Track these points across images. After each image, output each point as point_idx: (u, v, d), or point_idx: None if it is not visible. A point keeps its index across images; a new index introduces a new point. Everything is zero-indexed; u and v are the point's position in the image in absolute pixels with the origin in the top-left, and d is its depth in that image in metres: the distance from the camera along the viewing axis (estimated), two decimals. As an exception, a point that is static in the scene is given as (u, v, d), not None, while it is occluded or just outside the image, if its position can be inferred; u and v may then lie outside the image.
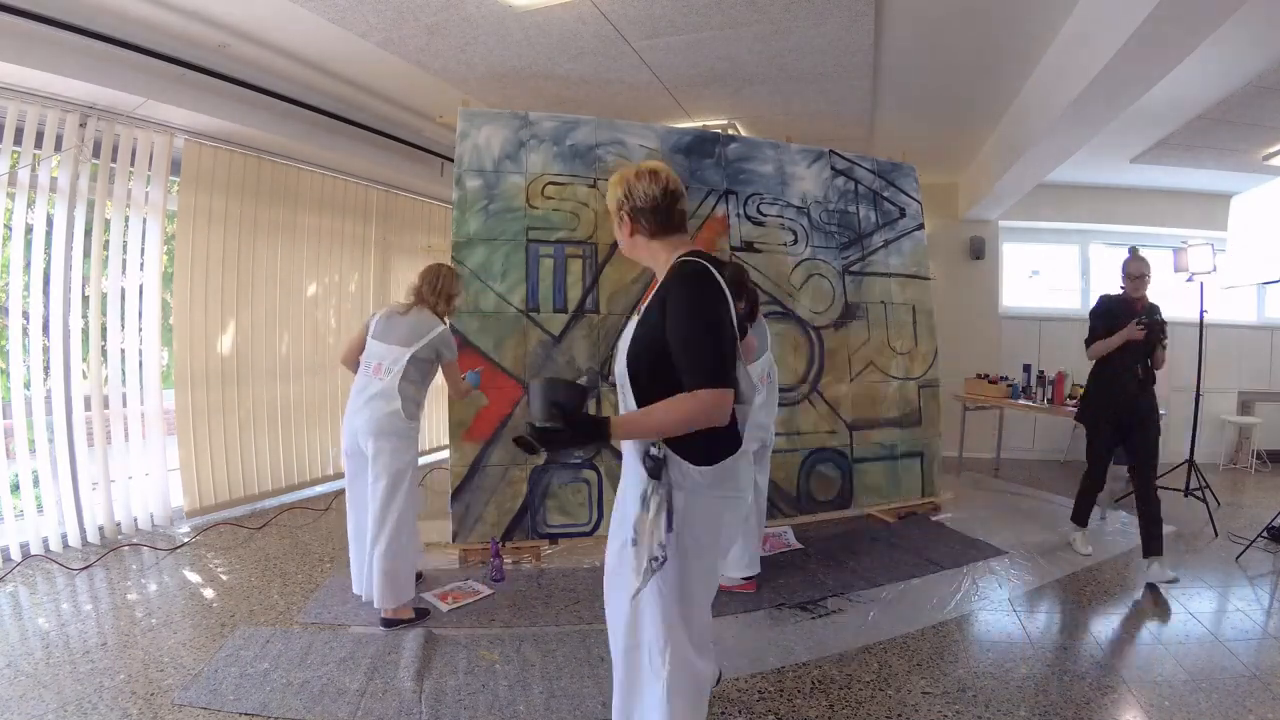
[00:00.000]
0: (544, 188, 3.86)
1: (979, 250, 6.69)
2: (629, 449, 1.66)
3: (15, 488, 3.49)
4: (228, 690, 2.31)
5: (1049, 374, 5.34)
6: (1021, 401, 5.46)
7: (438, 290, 3.00)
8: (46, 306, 3.58)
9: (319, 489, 5.02)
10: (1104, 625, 2.98)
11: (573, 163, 3.93)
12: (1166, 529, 4.26)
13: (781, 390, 4.18)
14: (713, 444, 1.57)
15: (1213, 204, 5.70)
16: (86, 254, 3.73)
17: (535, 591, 3.23)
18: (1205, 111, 4.29)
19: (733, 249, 4.16)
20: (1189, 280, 5.05)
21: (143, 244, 4.00)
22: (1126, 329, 3.51)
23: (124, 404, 3.95)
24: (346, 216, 5.34)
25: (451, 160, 4.02)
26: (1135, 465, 3.58)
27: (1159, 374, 3.68)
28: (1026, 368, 5.67)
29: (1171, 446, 6.06)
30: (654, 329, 1.56)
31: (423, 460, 6.04)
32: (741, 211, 4.22)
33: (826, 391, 4.32)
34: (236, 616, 2.90)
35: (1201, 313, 4.97)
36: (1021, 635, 2.85)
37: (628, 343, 1.64)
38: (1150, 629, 2.92)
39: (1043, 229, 6.88)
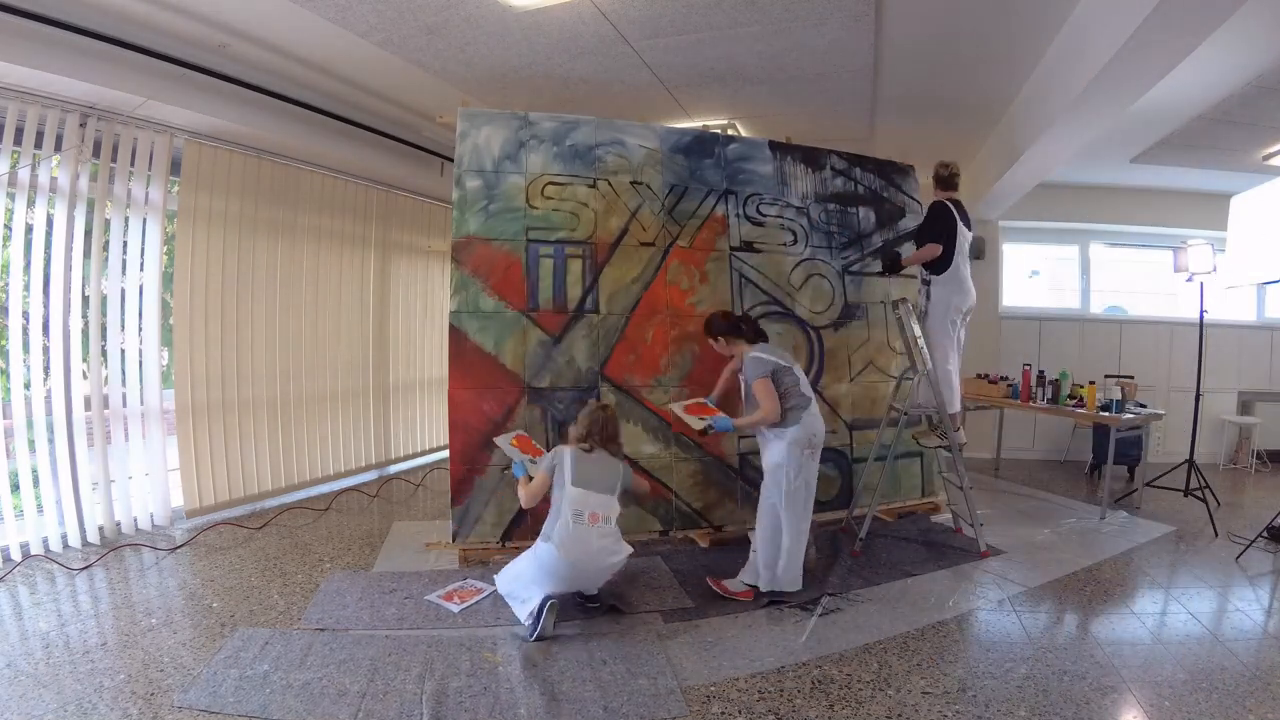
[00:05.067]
0: (544, 188, 3.86)
1: (979, 250, 6.68)
2: None
3: (15, 488, 3.49)
4: (227, 692, 2.30)
5: (1049, 374, 5.33)
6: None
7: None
8: (46, 306, 3.57)
9: (319, 489, 5.02)
10: (1104, 625, 2.99)
11: (573, 163, 3.92)
12: (1165, 529, 4.30)
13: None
14: None
15: (1213, 204, 5.70)
16: (86, 254, 3.73)
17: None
18: (1205, 111, 4.29)
19: (732, 249, 4.16)
20: (1189, 280, 5.05)
21: (143, 244, 4.00)
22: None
23: (124, 404, 3.95)
24: (346, 216, 5.33)
25: (451, 160, 4.02)
26: None
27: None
28: (1026, 367, 5.67)
29: (1171, 446, 6.11)
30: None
31: (423, 460, 6.08)
32: (741, 211, 4.22)
33: (826, 391, 4.32)
34: (236, 617, 2.90)
35: (1201, 313, 4.97)
36: (1021, 635, 2.85)
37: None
38: (1150, 629, 2.92)
39: (1043, 229, 6.88)
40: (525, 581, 2.87)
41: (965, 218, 4.01)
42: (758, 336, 3.32)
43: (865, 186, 4.64)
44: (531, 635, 2.70)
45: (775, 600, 3.14)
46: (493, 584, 3.21)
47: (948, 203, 3.95)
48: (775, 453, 3.13)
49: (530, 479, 3.04)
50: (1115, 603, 3.22)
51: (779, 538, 3.12)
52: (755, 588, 3.18)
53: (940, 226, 3.92)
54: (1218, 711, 2.27)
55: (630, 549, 2.92)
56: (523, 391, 3.70)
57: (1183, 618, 3.03)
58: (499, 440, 3.38)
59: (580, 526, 2.78)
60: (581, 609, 2.97)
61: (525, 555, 2.92)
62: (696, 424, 3.30)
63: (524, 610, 2.82)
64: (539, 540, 2.86)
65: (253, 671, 2.44)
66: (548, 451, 3.13)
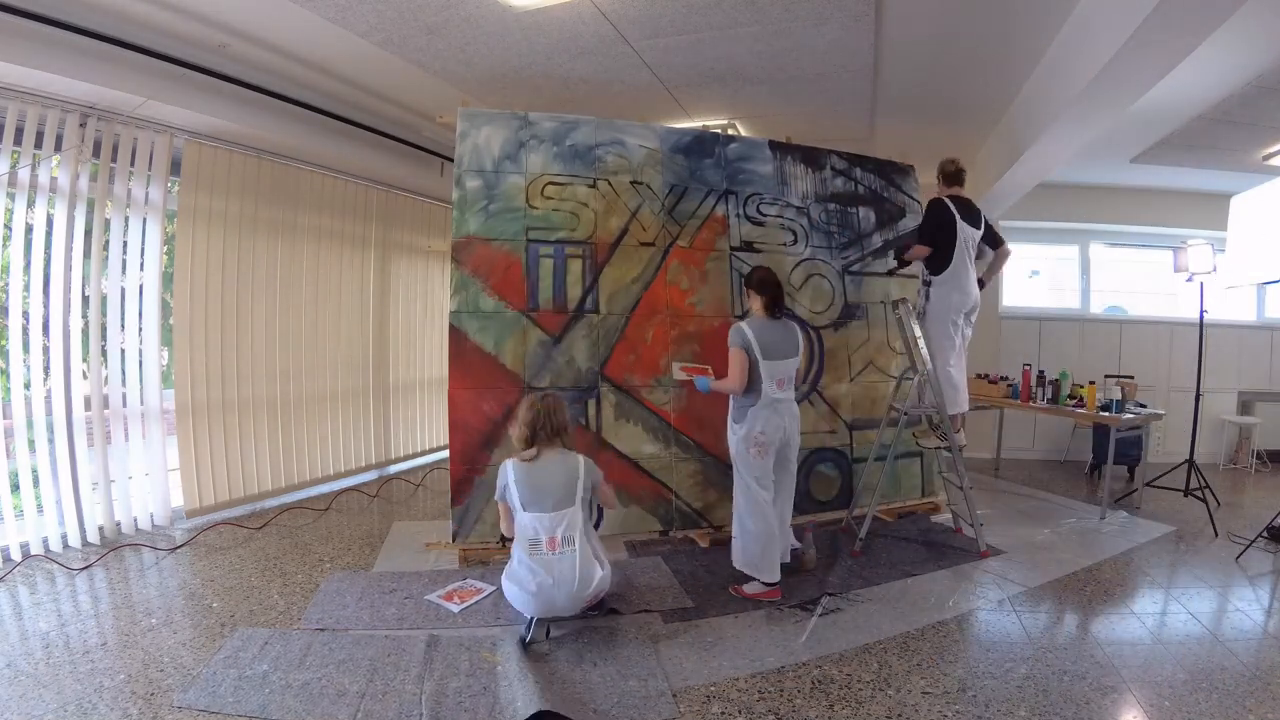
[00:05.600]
0: (544, 188, 3.86)
1: (979, 250, 6.68)
2: None
3: (15, 488, 3.49)
4: (226, 692, 2.30)
5: (1049, 374, 5.34)
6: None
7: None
8: (46, 306, 3.57)
9: (319, 489, 5.02)
10: (1104, 625, 2.98)
11: (572, 163, 3.92)
12: (1165, 529, 4.30)
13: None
14: None
15: (1213, 204, 5.71)
16: (86, 254, 3.73)
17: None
18: (1205, 111, 4.29)
19: (732, 249, 4.16)
20: (1189, 280, 5.05)
21: (143, 244, 4.00)
22: None
23: (124, 404, 3.95)
24: (346, 216, 5.33)
25: (451, 160, 4.02)
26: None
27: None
28: (1026, 367, 5.67)
29: (1171, 446, 6.11)
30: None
31: (423, 460, 6.08)
32: (741, 211, 4.22)
33: (826, 391, 4.32)
34: (236, 617, 2.90)
35: (1201, 313, 4.96)
36: (1021, 635, 2.85)
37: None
38: (1150, 629, 2.92)
39: (1043, 229, 6.88)
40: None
41: (971, 216, 3.95)
42: (769, 311, 3.25)
43: (865, 186, 4.64)
44: (524, 640, 2.69)
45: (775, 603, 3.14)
46: (493, 584, 3.22)
47: (946, 200, 3.91)
48: (731, 444, 3.30)
49: None
50: (1115, 603, 3.22)
51: (742, 521, 3.25)
52: (774, 584, 3.20)
53: (932, 225, 3.90)
54: (1218, 711, 2.27)
55: (606, 569, 2.71)
56: (523, 392, 3.70)
57: (1183, 618, 3.03)
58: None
59: (539, 558, 2.56)
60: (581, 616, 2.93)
61: (503, 585, 2.77)
62: (680, 377, 3.62)
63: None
64: (505, 579, 2.73)
65: (252, 671, 2.44)
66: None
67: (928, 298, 4.04)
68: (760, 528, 3.17)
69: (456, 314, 3.66)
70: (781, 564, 3.38)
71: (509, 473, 2.71)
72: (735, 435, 3.24)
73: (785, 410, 3.24)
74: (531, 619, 2.71)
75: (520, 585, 2.64)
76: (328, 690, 2.33)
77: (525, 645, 2.66)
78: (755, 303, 3.32)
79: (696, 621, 2.93)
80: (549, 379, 3.75)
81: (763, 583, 3.19)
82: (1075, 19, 3.43)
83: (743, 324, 3.23)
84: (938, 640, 2.81)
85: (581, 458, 2.80)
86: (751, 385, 3.16)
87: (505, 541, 3.54)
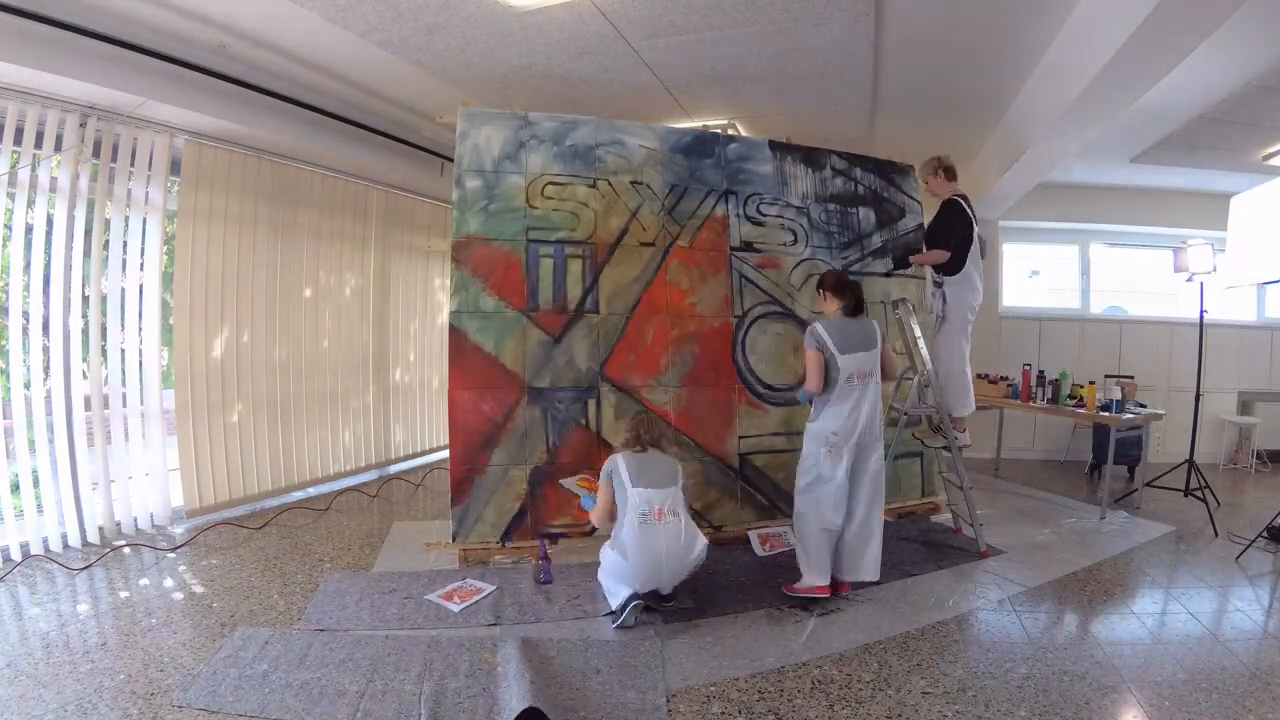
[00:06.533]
0: (544, 188, 3.86)
1: (983, 248, 6.68)
2: None
3: (15, 488, 3.49)
4: (226, 691, 2.30)
5: (1049, 374, 5.34)
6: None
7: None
8: (46, 306, 3.58)
9: (319, 489, 5.02)
10: (1104, 625, 2.99)
11: (573, 163, 3.92)
12: (1165, 529, 4.30)
13: (781, 390, 4.18)
14: None
15: (1213, 204, 5.71)
16: (86, 254, 3.73)
17: (538, 590, 3.23)
18: (1205, 111, 4.29)
19: (732, 249, 4.16)
20: (1189, 280, 5.05)
21: (143, 244, 4.00)
22: None
23: (124, 404, 3.95)
24: (346, 216, 5.34)
25: (451, 160, 4.02)
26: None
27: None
28: (1026, 367, 5.67)
29: (1171, 446, 6.11)
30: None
31: (423, 460, 6.08)
32: (741, 211, 4.22)
33: (826, 391, 4.31)
34: (236, 617, 2.90)
35: (1201, 313, 4.96)
36: (1021, 635, 2.85)
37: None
38: (1150, 629, 2.92)
39: (1043, 229, 6.88)
40: (612, 580, 2.99)
41: (974, 213, 3.96)
42: (847, 310, 3.24)
43: (865, 186, 4.63)
44: (615, 623, 2.84)
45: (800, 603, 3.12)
46: (493, 584, 3.23)
47: (960, 200, 3.88)
48: (806, 437, 3.25)
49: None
50: (1115, 603, 3.22)
51: (796, 516, 3.23)
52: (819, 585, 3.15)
53: (959, 226, 3.84)
54: (1218, 711, 2.27)
55: (705, 540, 2.96)
56: (523, 391, 3.70)
57: (1183, 618, 3.03)
58: (564, 482, 3.56)
59: (647, 527, 2.82)
60: (655, 609, 2.96)
61: (605, 557, 2.98)
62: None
63: (614, 601, 2.95)
64: (606, 548, 2.97)
65: (252, 671, 2.44)
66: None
67: (945, 300, 4.00)
68: (810, 526, 3.14)
69: (456, 314, 3.66)
70: (856, 581, 3.22)
71: (618, 459, 3.00)
72: (810, 430, 3.23)
73: (865, 402, 3.13)
74: (627, 599, 2.84)
75: (627, 555, 2.83)
76: (327, 690, 2.33)
77: (617, 626, 2.83)
78: (831, 305, 3.29)
79: (696, 621, 2.93)
80: (549, 379, 3.75)
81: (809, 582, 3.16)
82: (1075, 19, 3.43)
83: (817, 325, 3.22)
84: (938, 640, 2.81)
85: (678, 462, 3.10)
86: (828, 383, 3.16)
87: (504, 542, 3.58)
